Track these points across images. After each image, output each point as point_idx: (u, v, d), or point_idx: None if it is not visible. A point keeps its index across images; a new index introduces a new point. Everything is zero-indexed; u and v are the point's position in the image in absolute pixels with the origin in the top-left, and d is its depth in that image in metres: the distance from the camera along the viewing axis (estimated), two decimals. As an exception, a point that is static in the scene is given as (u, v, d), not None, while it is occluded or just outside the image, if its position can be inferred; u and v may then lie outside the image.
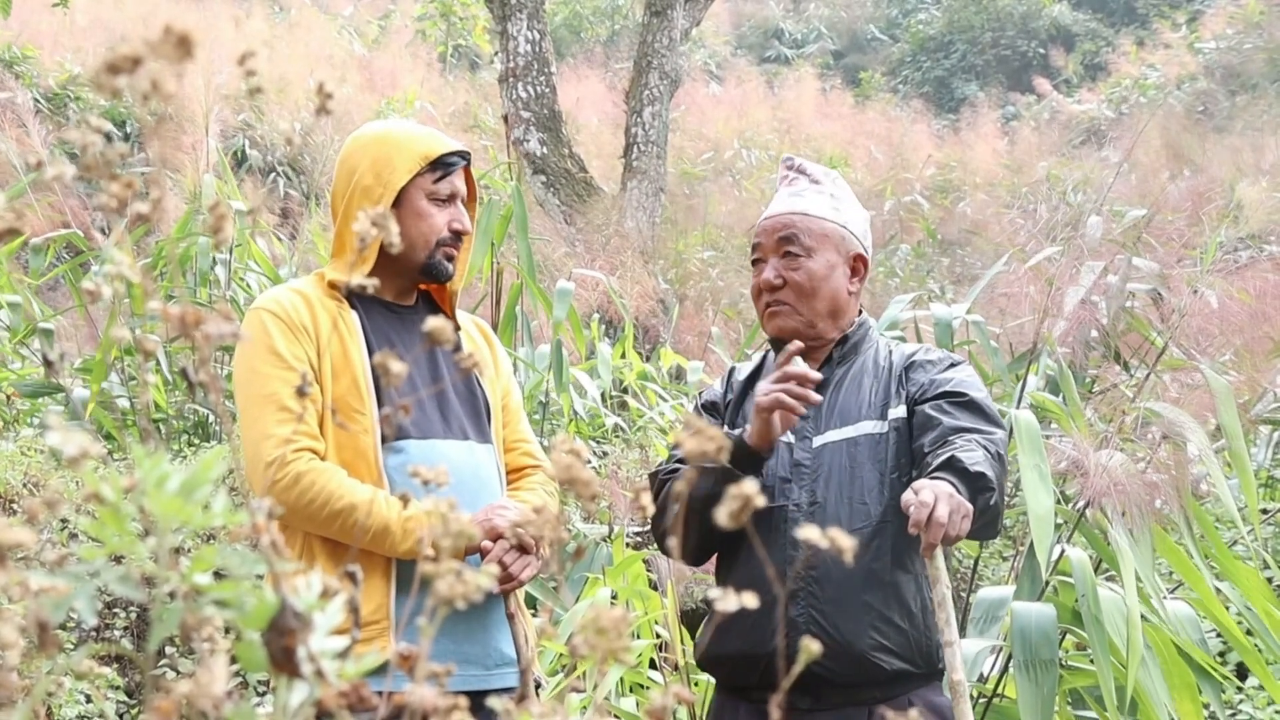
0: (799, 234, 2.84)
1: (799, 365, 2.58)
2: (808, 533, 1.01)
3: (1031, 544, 3.49)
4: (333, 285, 2.78)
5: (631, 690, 4.10)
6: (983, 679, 3.69)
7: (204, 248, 6.41)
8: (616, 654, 0.98)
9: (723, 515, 0.99)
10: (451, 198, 2.82)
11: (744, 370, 3.00)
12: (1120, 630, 3.41)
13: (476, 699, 2.33)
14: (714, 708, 2.87)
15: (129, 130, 11.34)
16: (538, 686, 2.81)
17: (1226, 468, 4.53)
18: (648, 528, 5.22)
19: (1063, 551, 3.62)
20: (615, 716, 3.77)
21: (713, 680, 2.96)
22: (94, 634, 4.55)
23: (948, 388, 2.70)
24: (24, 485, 4.85)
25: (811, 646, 1.01)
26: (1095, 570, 3.61)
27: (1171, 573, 4.00)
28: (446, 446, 2.73)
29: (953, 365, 2.79)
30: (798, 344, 2.63)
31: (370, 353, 2.71)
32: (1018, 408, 3.86)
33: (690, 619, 4.26)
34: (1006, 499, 5.34)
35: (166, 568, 0.99)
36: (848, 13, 27.03)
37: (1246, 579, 3.81)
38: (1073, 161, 15.58)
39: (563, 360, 6.30)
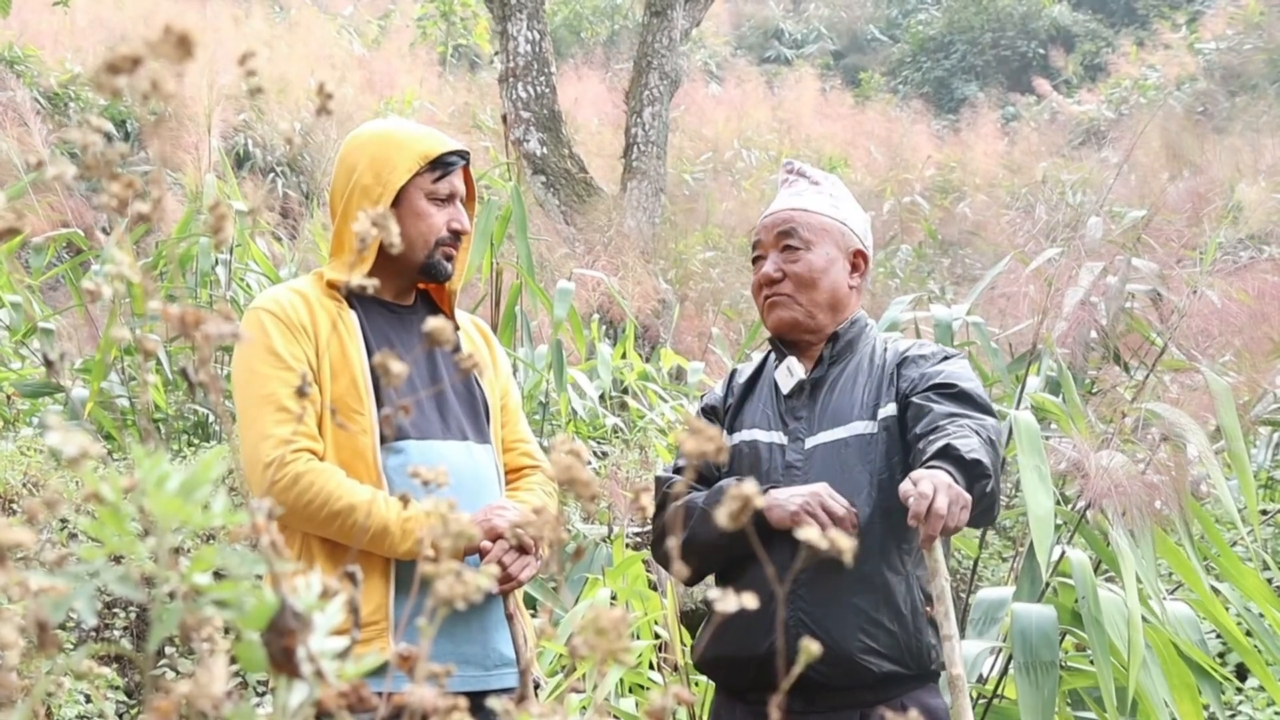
0: (798, 228, 2.86)
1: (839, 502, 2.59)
2: (806, 533, 1.01)
3: (1031, 545, 3.49)
4: (331, 285, 2.78)
5: (631, 691, 4.10)
6: (982, 680, 3.69)
7: (204, 248, 6.41)
8: (616, 655, 0.98)
9: (723, 516, 0.99)
10: (450, 197, 2.82)
11: (745, 372, 3.00)
12: (1120, 631, 3.41)
13: (475, 699, 2.33)
14: (714, 708, 2.88)
15: (129, 130, 11.34)
16: (536, 687, 2.81)
17: (1226, 469, 4.53)
18: (647, 528, 5.22)
19: (1063, 553, 3.62)
20: (615, 717, 3.77)
21: (712, 682, 2.97)
22: (94, 634, 4.55)
23: (938, 380, 2.69)
24: (24, 485, 4.85)
25: (811, 648, 1.01)
26: (1094, 571, 3.61)
27: (1171, 573, 4.00)
28: (445, 447, 2.72)
29: (946, 359, 2.78)
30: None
31: (369, 353, 2.71)
32: (1018, 409, 3.86)
33: (690, 619, 4.26)
34: (1006, 500, 5.35)
35: (166, 568, 0.99)
36: (848, 13, 27.04)
37: (1246, 580, 3.81)
38: (1072, 162, 15.58)
39: (562, 360, 6.30)
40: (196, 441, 6.12)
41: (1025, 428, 3.52)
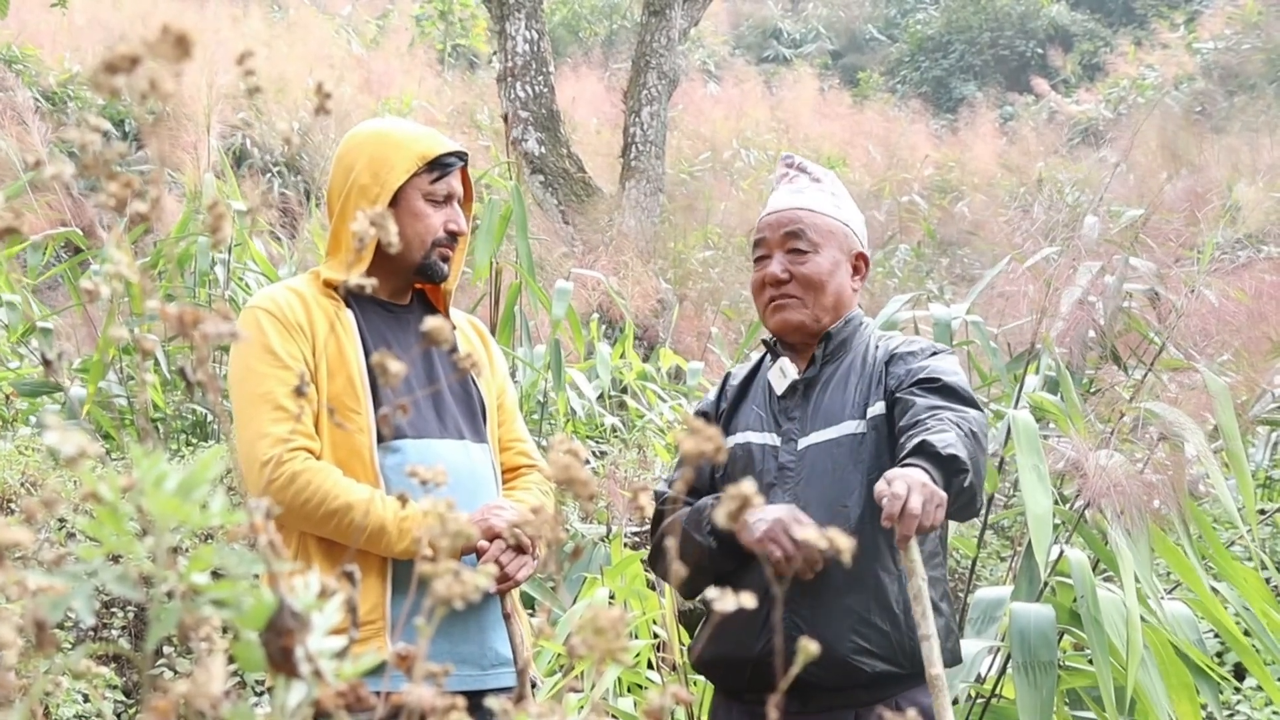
0: (805, 229, 2.84)
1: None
2: (805, 533, 1.01)
3: (1029, 544, 3.49)
4: (328, 284, 2.78)
5: (629, 690, 4.10)
6: (980, 679, 3.69)
7: (203, 247, 6.41)
8: (614, 654, 0.98)
9: (721, 515, 0.99)
10: (448, 198, 2.82)
11: (739, 375, 2.99)
12: (1119, 631, 3.41)
13: (473, 699, 2.33)
14: (712, 708, 2.88)
15: (127, 129, 11.33)
16: (533, 686, 2.81)
17: (1224, 468, 4.53)
18: (646, 528, 5.22)
19: (1061, 552, 3.62)
20: (613, 716, 3.77)
21: (710, 683, 2.97)
22: (92, 633, 4.55)
23: (923, 374, 2.68)
24: (22, 484, 4.85)
25: (810, 648, 1.01)
26: (1092, 570, 3.61)
27: (1169, 573, 4.01)
28: (442, 446, 2.73)
29: (934, 354, 2.77)
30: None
31: (366, 352, 2.71)
32: (1016, 408, 3.86)
33: (688, 619, 4.26)
34: (1004, 499, 5.35)
35: (164, 567, 0.99)
36: (846, 13, 27.04)
37: (1244, 579, 3.81)
38: (1070, 162, 15.58)
39: (560, 360, 6.30)
40: (195, 441, 6.12)
41: (1024, 427, 3.52)
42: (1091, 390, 4.75)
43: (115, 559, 3.19)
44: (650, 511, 2.59)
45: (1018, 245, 4.78)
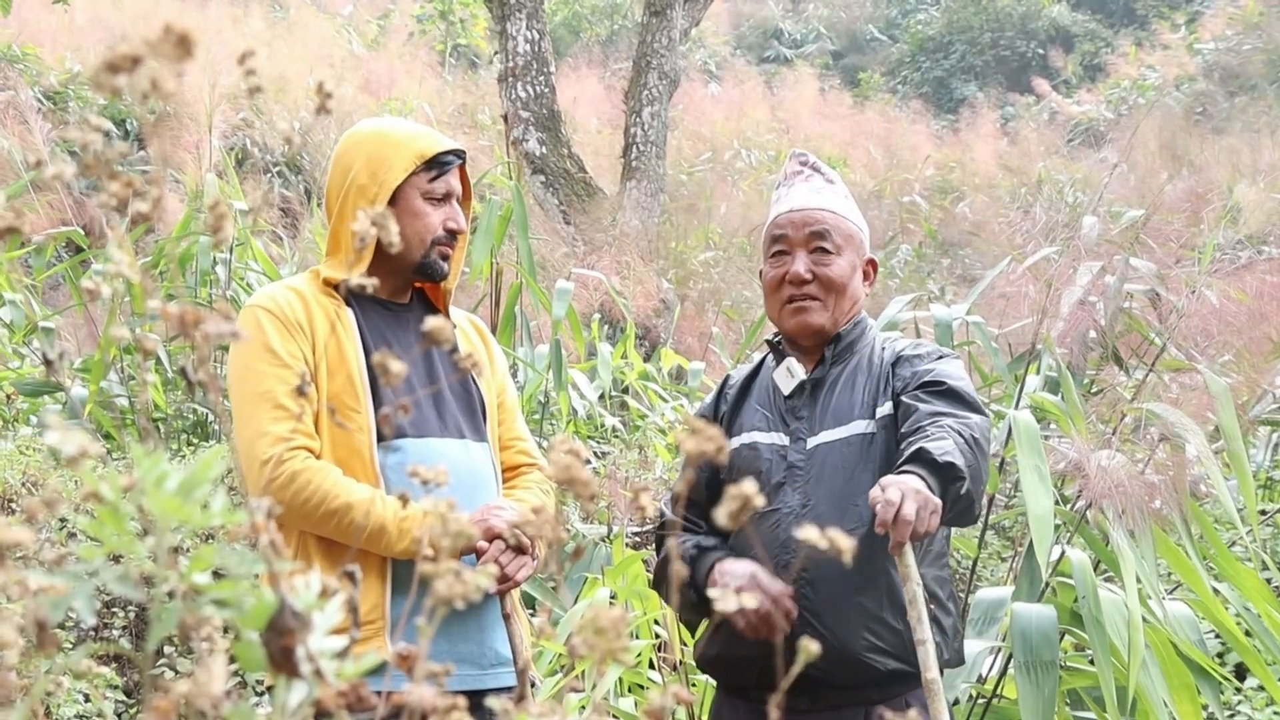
0: (830, 230, 2.84)
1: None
2: (807, 533, 1.01)
3: (1030, 545, 3.49)
4: (327, 283, 2.78)
5: (630, 690, 4.10)
6: (981, 680, 3.69)
7: (204, 247, 6.41)
8: (615, 654, 0.98)
9: (722, 516, 0.99)
10: (447, 197, 2.82)
11: (738, 377, 2.99)
12: (1120, 631, 3.41)
13: (473, 699, 2.32)
14: (714, 707, 2.88)
15: (128, 129, 11.33)
16: (533, 686, 2.80)
17: (1225, 469, 4.53)
18: (647, 528, 5.22)
19: (1062, 553, 3.62)
20: (614, 716, 3.77)
21: (712, 681, 2.96)
22: (92, 633, 4.55)
23: (928, 378, 2.68)
24: (23, 484, 4.85)
25: (811, 647, 1.01)
26: (1093, 570, 3.61)
27: (1170, 573, 4.01)
28: (442, 445, 2.72)
29: (940, 358, 2.77)
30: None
31: (366, 351, 2.71)
32: (1017, 408, 3.86)
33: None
34: (1005, 499, 5.35)
35: (165, 567, 0.99)
36: (847, 13, 27.03)
37: (1245, 580, 3.81)
38: (1071, 162, 15.58)
39: (561, 360, 6.30)
40: (195, 441, 6.12)
41: (1025, 427, 3.52)
42: (1092, 391, 4.75)
43: (116, 559, 3.19)
44: (651, 512, 2.59)
45: (1018, 246, 4.78)
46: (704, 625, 3.01)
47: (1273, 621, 3.69)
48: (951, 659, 2.74)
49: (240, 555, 1.01)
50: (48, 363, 1.22)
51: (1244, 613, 3.88)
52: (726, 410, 2.93)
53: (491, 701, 1.15)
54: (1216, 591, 3.94)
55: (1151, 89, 18.58)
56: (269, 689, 4.22)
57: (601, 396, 6.83)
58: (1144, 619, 3.43)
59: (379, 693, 1.08)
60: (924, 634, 2.36)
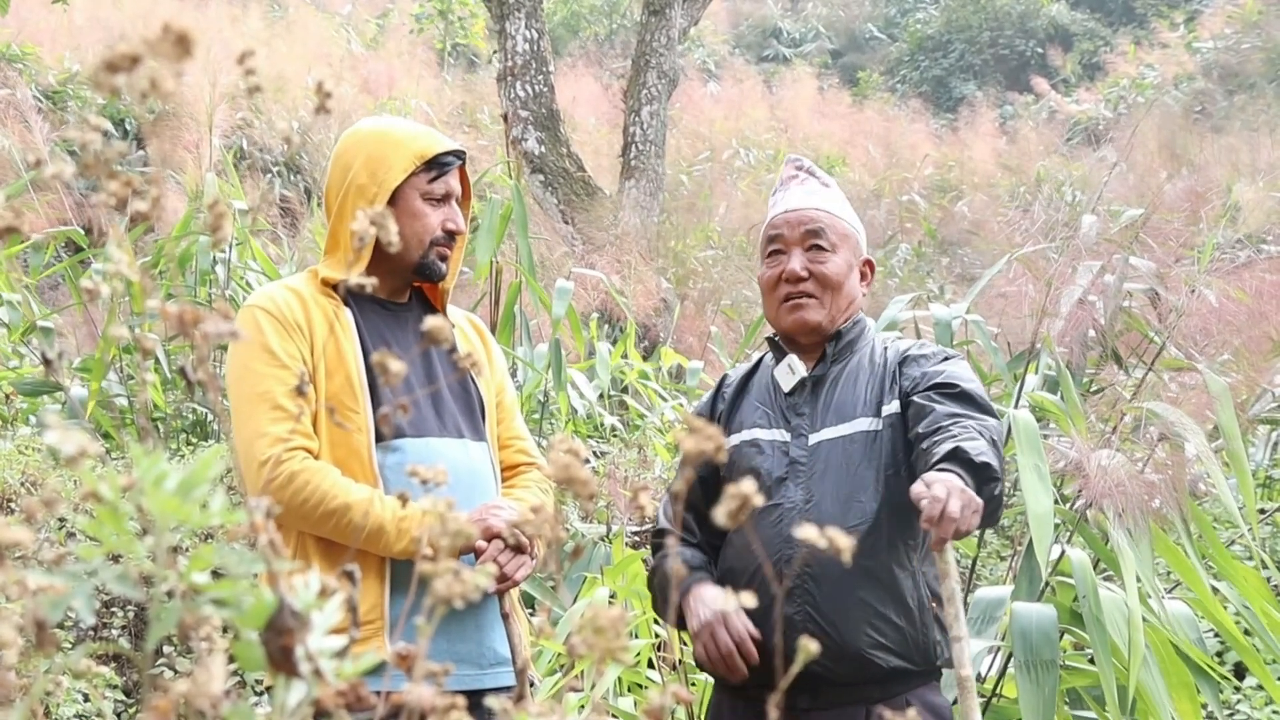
0: (825, 229, 2.86)
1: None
2: (806, 532, 1.01)
3: (1030, 544, 3.49)
4: (326, 283, 2.77)
5: (629, 690, 4.10)
6: (981, 679, 3.69)
7: (204, 246, 6.41)
8: (614, 653, 0.98)
9: (721, 515, 0.99)
10: (446, 197, 2.82)
11: (736, 375, 3.00)
12: (1120, 630, 3.41)
13: (472, 698, 2.32)
14: (712, 706, 2.87)
15: (127, 128, 11.33)
16: (532, 686, 2.80)
17: (1225, 467, 4.53)
18: (646, 527, 5.22)
19: (1062, 552, 3.62)
20: (613, 716, 3.77)
21: (711, 680, 2.96)
22: (92, 633, 4.55)
23: (940, 379, 2.70)
24: (22, 484, 4.85)
25: (810, 646, 1.01)
26: (1092, 570, 3.61)
27: (1169, 572, 4.01)
28: (441, 445, 2.72)
29: (946, 359, 2.79)
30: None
31: (365, 351, 2.71)
32: (1016, 407, 3.86)
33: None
34: (1005, 499, 5.35)
35: (164, 567, 0.99)
36: (846, 12, 27.04)
37: (1245, 579, 3.81)
38: (1070, 161, 15.58)
39: (561, 359, 6.30)
40: (195, 440, 6.12)
41: (1024, 426, 3.52)
42: (1092, 390, 4.75)
43: (115, 558, 3.19)
44: (650, 511, 2.59)
45: (1018, 245, 4.78)
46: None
47: (1271, 621, 3.69)
48: (951, 659, 2.75)
49: (239, 555, 1.01)
50: (47, 362, 1.22)
51: (1243, 612, 3.88)
52: (724, 408, 2.94)
53: (490, 701, 1.15)
54: (1216, 590, 3.95)
55: (1150, 88, 18.58)
56: (268, 689, 4.22)
57: (601, 396, 6.83)
58: (1143, 618, 3.43)
59: (378, 692, 1.08)
60: (960, 630, 2.36)
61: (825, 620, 2.62)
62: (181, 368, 1.06)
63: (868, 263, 2.94)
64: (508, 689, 2.67)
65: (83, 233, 7.23)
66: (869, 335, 2.92)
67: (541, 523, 1.10)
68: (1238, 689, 5.24)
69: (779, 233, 2.89)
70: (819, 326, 2.84)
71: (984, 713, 3.69)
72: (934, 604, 2.68)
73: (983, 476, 2.43)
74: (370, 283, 1.19)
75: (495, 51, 10.27)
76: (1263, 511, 5.71)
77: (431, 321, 1.15)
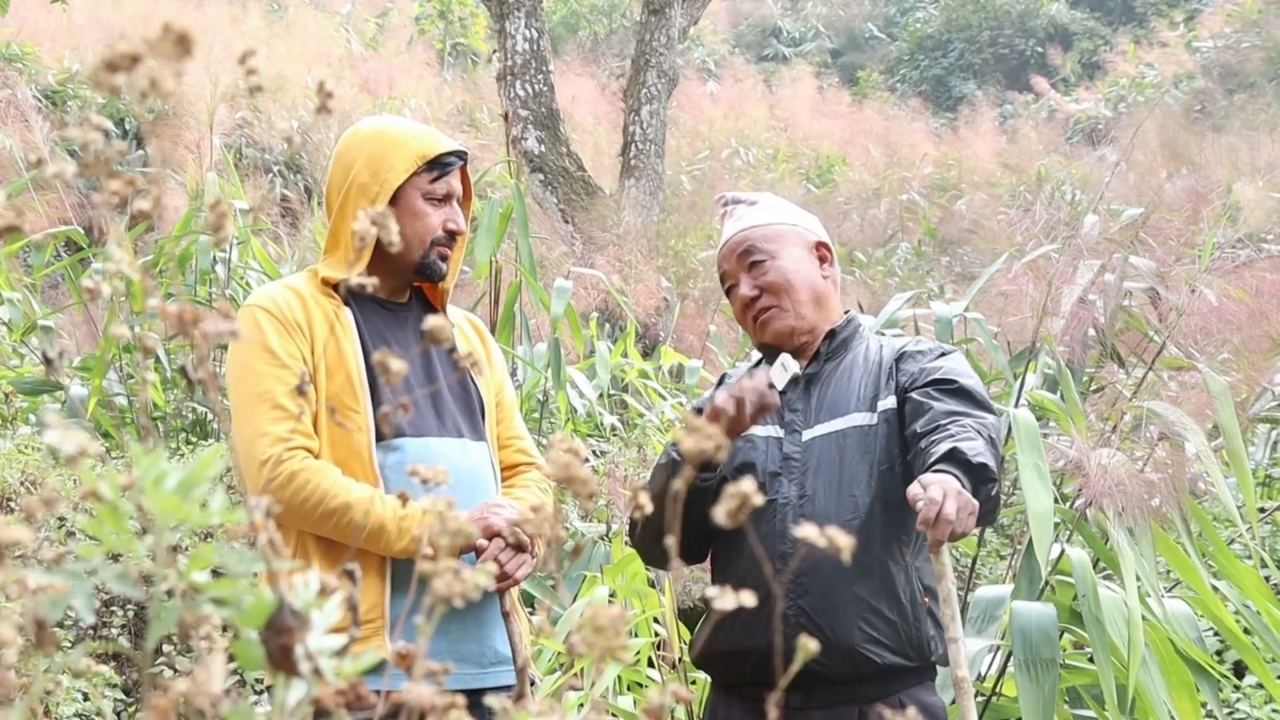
0: (755, 243, 2.90)
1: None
2: (804, 531, 1.01)
3: (1030, 543, 3.49)
4: (326, 282, 2.77)
5: (629, 688, 4.10)
6: (980, 678, 3.69)
7: (204, 246, 6.41)
8: (614, 652, 0.98)
9: (720, 514, 0.99)
10: (447, 197, 2.82)
11: (737, 373, 3.02)
12: (1119, 629, 3.41)
13: (472, 697, 2.32)
14: (709, 705, 2.88)
15: (127, 128, 11.33)
16: (532, 685, 2.80)
17: (1224, 466, 4.53)
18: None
19: (1061, 551, 3.62)
20: (613, 715, 3.77)
21: (709, 679, 2.97)
22: (91, 632, 4.55)
23: (937, 375, 2.70)
24: (22, 483, 4.85)
25: (810, 645, 1.01)
26: (1092, 568, 3.61)
27: (1169, 571, 4.01)
28: (441, 444, 2.72)
29: (943, 355, 2.80)
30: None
31: (365, 350, 2.71)
32: (1016, 406, 3.86)
33: (688, 616, 4.26)
34: (1005, 498, 5.35)
35: (164, 566, 0.99)
36: (845, 11, 27.05)
37: (1244, 577, 3.81)
38: (1070, 160, 15.58)
39: (560, 359, 6.30)
40: (195, 440, 6.12)
41: (1024, 426, 3.52)
42: (1092, 389, 4.75)
43: (115, 557, 3.19)
44: (650, 510, 2.60)
45: (1018, 244, 4.78)
46: (702, 621, 3.01)
47: (1272, 619, 3.69)
48: (946, 655, 2.75)
49: (239, 554, 1.01)
50: (48, 361, 1.23)
51: (1243, 610, 3.88)
52: None
53: (490, 700, 1.15)
54: (1215, 589, 3.95)
55: (1150, 87, 18.58)
56: (268, 688, 4.22)
57: (600, 395, 6.83)
58: (1143, 617, 3.43)
59: (378, 691, 1.08)
60: (956, 632, 2.37)
61: (818, 616, 2.63)
62: (182, 367, 1.06)
63: (821, 245, 2.96)
64: (508, 688, 2.67)
65: (83, 232, 7.23)
66: (863, 333, 2.93)
67: (541, 522, 1.10)
68: (1237, 688, 5.25)
69: (724, 269, 2.97)
70: (793, 329, 2.86)
71: (984, 711, 3.69)
72: (927, 599, 2.69)
73: (979, 477, 2.43)
74: (371, 283, 1.19)
75: (495, 51, 10.27)
76: (1262, 510, 5.71)
77: (432, 321, 1.15)
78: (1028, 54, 23.30)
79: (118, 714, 4.48)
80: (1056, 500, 3.72)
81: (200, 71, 7.55)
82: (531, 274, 6.37)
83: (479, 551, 2.64)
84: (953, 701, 3.34)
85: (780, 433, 2.80)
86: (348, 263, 2.77)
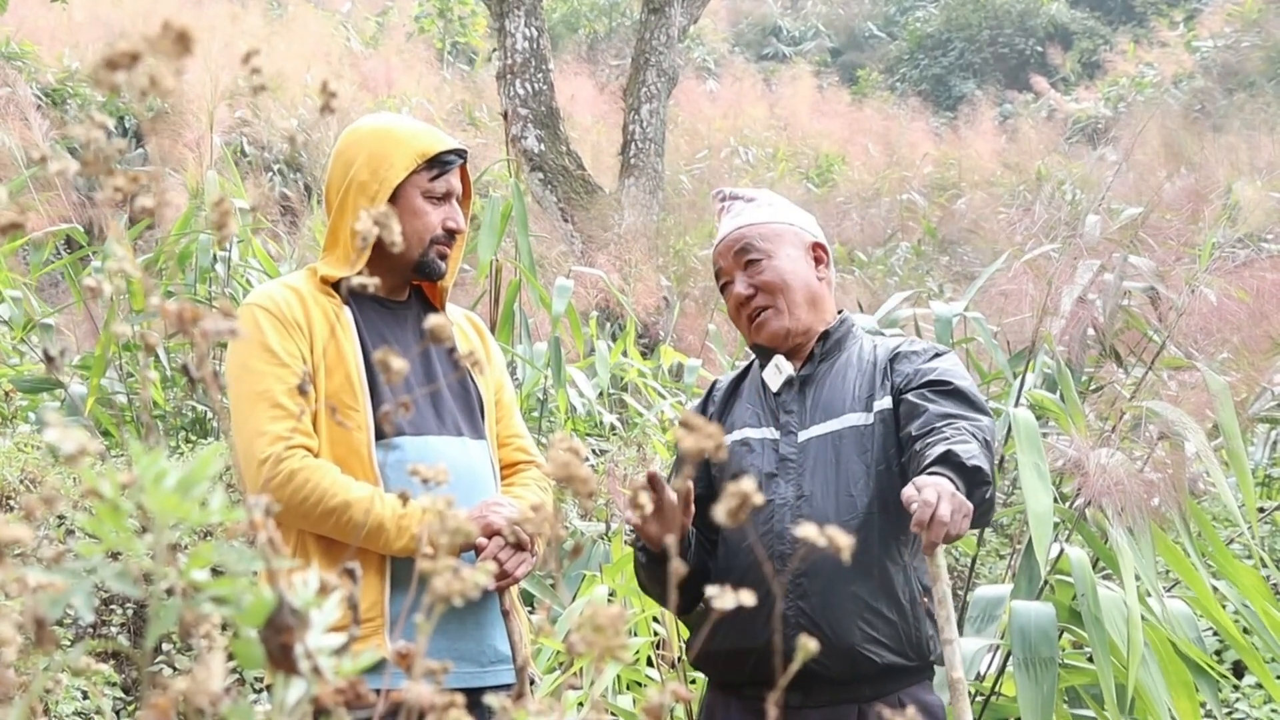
0: (752, 241, 2.89)
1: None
2: (805, 531, 1.01)
3: (1029, 542, 3.49)
4: (325, 280, 2.77)
5: (629, 688, 4.10)
6: (980, 677, 3.69)
7: (204, 245, 6.40)
8: (613, 651, 0.98)
9: (721, 513, 0.99)
10: (447, 196, 2.82)
11: (726, 380, 3.03)
12: (1119, 629, 3.41)
13: (471, 696, 2.32)
14: (705, 705, 2.87)
15: (126, 126, 11.33)
16: (532, 684, 2.80)
17: (1224, 466, 4.53)
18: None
19: (1061, 550, 3.62)
20: (612, 714, 3.77)
21: (707, 677, 2.97)
22: (91, 630, 4.55)
23: (932, 376, 2.70)
24: (21, 481, 4.85)
25: (810, 645, 1.01)
26: (1092, 568, 3.61)
27: (1169, 571, 4.01)
28: (440, 443, 2.72)
29: (937, 355, 2.80)
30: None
31: (364, 349, 2.71)
32: (1015, 405, 3.86)
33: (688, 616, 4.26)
34: (1004, 497, 5.35)
35: (164, 564, 0.99)
36: (845, 10, 27.05)
37: (1244, 577, 3.81)
38: (1070, 160, 15.58)
39: (560, 358, 6.30)
40: (194, 438, 6.12)
41: (1024, 425, 3.52)
42: (1091, 388, 4.75)
43: (115, 556, 3.18)
44: (650, 509, 2.60)
45: (1018, 243, 4.78)
46: (699, 621, 3.01)
47: (1271, 619, 3.69)
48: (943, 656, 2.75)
49: (239, 552, 1.01)
50: (49, 359, 1.23)
51: (1242, 610, 3.88)
52: (714, 412, 2.96)
53: (490, 699, 1.15)
54: (1215, 589, 3.95)
55: (1149, 86, 18.59)
56: (267, 686, 4.22)
57: (600, 394, 6.83)
58: (1142, 617, 3.43)
59: (377, 690, 1.08)
60: (951, 633, 2.38)
61: (817, 616, 2.63)
62: (184, 365, 1.06)
63: (817, 246, 2.95)
64: (507, 687, 2.67)
65: (82, 230, 7.23)
66: (857, 333, 2.93)
67: (541, 520, 1.10)
68: (1236, 688, 5.25)
69: (720, 265, 2.96)
70: (787, 331, 2.86)
71: (983, 711, 3.69)
72: (925, 598, 2.69)
73: (974, 480, 2.43)
74: (373, 283, 1.19)
75: (495, 49, 10.27)
76: (1262, 510, 5.71)
77: (433, 320, 1.15)
78: (1028, 53, 23.30)
79: (117, 712, 4.48)
80: (1056, 500, 3.72)
81: (200, 69, 7.54)
82: (531, 273, 6.37)
83: (478, 550, 2.64)
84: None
85: (776, 434, 2.80)
86: (348, 261, 2.77)
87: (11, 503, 4.78)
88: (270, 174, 12.14)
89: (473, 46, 19.25)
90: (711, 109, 18.44)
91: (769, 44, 25.81)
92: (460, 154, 2.85)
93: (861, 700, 2.63)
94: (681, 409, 6.55)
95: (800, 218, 2.98)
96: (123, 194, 0.97)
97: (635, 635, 3.96)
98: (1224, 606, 3.90)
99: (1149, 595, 3.58)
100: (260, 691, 4.62)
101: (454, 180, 2.83)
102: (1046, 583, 3.69)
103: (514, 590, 2.73)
